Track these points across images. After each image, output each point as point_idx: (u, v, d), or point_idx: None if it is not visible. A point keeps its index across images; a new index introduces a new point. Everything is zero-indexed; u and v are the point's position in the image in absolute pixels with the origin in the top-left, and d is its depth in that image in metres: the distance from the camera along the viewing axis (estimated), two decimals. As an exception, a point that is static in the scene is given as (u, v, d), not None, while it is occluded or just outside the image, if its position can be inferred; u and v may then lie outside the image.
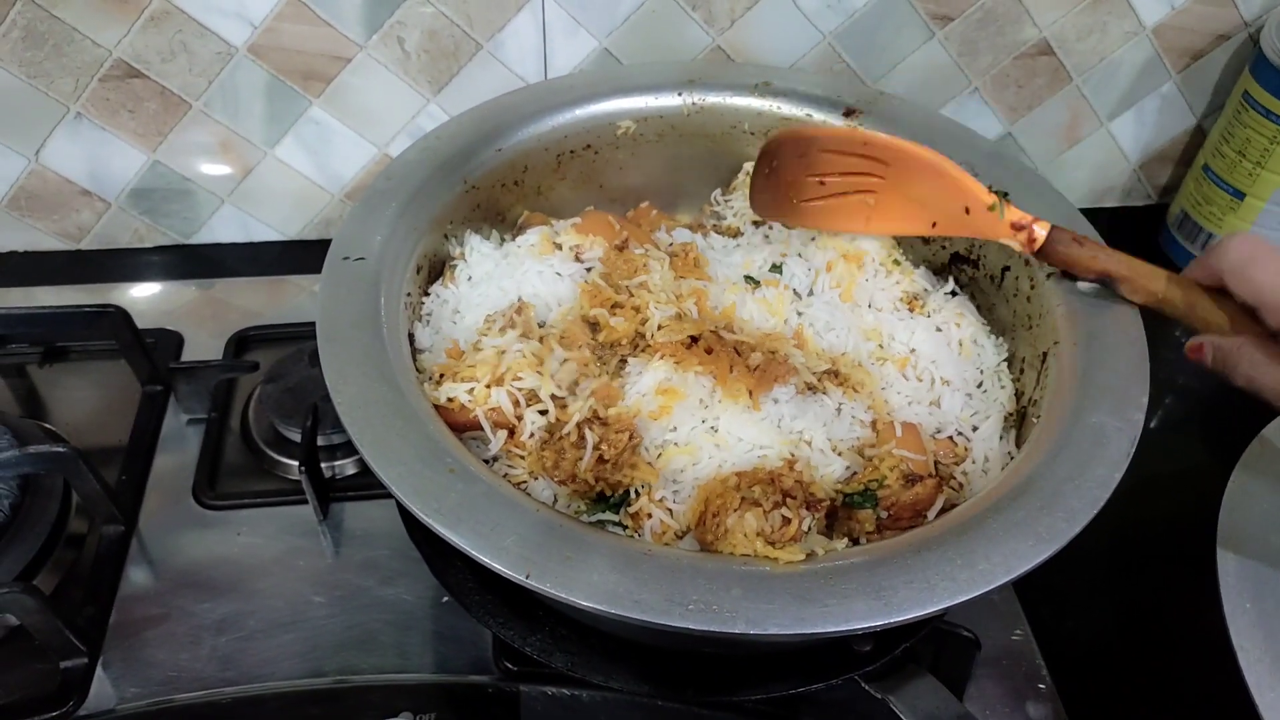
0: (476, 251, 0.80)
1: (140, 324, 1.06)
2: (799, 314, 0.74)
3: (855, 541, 0.63)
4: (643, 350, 0.68)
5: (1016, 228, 0.71)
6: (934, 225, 0.73)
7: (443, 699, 0.78)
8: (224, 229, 1.19)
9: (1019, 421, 0.75)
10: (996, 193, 0.71)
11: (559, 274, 0.74)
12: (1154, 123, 1.22)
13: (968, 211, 0.72)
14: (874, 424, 0.69)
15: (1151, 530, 0.90)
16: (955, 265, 0.86)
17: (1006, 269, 0.79)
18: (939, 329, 0.76)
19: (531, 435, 0.64)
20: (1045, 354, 0.72)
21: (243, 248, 1.20)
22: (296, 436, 0.93)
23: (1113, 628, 0.84)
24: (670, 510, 0.61)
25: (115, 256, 1.19)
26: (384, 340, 0.67)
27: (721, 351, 0.66)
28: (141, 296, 1.15)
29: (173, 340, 1.07)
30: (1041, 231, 0.70)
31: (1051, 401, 0.67)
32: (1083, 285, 0.72)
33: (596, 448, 0.60)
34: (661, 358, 0.66)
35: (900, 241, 0.86)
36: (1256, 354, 0.61)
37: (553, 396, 0.65)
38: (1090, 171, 1.27)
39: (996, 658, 0.81)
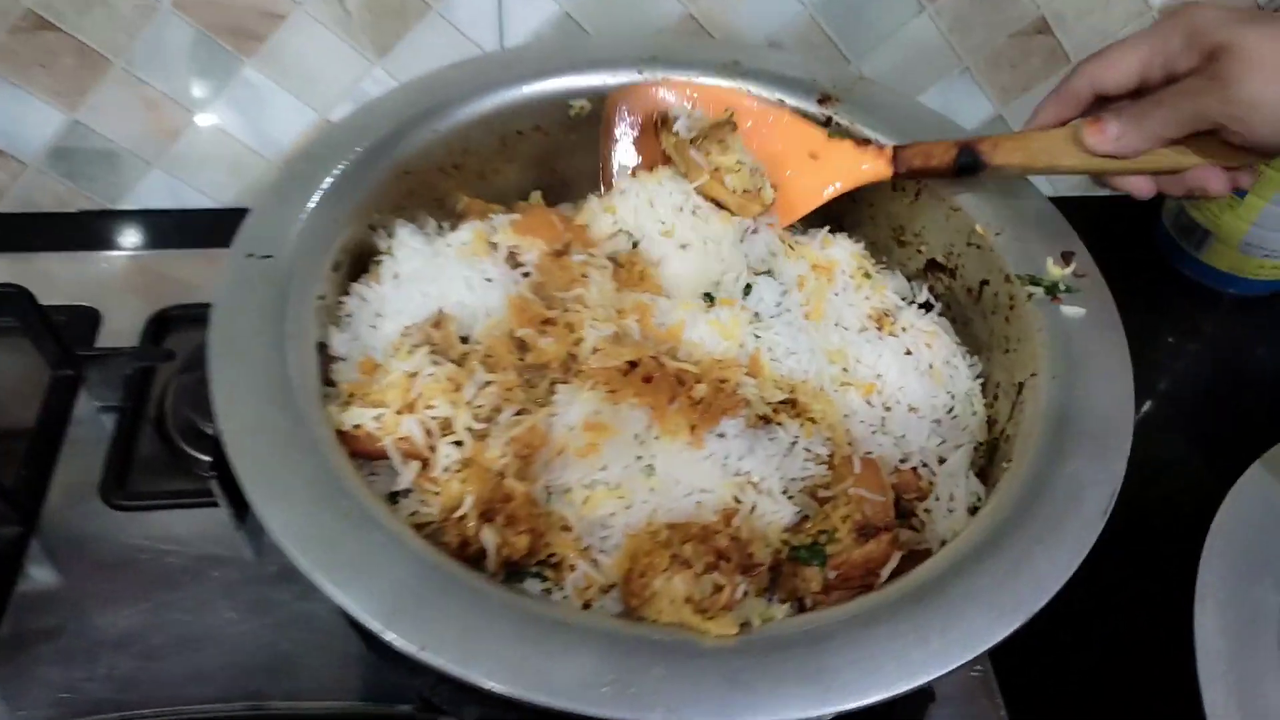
0: (405, 246, 0.72)
1: (59, 297, 0.98)
2: (756, 336, 0.66)
3: (800, 602, 0.57)
4: (575, 374, 0.61)
5: (861, 144, 0.76)
6: (788, 175, 0.77)
7: (355, 732, 0.72)
8: (152, 195, 1.10)
9: (989, 452, 0.69)
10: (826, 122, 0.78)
11: (489, 280, 0.67)
12: (1154, 111, 1.15)
13: (814, 157, 0.76)
14: (831, 458, 0.63)
15: (1128, 568, 0.85)
16: (931, 272, 0.79)
17: (985, 282, 0.73)
18: (909, 351, 0.70)
19: (445, 470, 0.57)
20: (1021, 385, 0.65)
21: (174, 215, 1.12)
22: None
23: (1080, 668, 0.79)
24: (596, 562, 0.55)
25: (37, 221, 1.10)
26: (285, 355, 0.59)
27: (662, 380, 0.59)
28: (64, 267, 1.06)
29: (88, 319, 0.98)
30: (887, 142, 0.76)
31: (1025, 442, 0.60)
32: (1068, 310, 0.65)
33: (499, 551, 0.54)
34: (593, 387, 0.59)
35: (874, 248, 0.79)
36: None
37: (469, 429, 0.57)
38: (1084, 160, 1.20)
39: (951, 695, 0.76)
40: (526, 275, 0.68)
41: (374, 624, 0.48)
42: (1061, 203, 0.76)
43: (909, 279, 0.80)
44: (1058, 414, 0.60)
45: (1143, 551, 0.80)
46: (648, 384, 0.59)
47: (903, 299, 0.77)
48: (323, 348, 0.65)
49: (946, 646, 0.49)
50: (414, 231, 0.74)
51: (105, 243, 1.08)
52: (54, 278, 1.02)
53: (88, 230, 1.09)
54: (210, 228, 1.09)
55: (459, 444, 0.58)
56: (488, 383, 0.59)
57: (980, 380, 0.72)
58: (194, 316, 0.99)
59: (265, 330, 0.60)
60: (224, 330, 0.59)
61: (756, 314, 0.68)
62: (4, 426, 0.89)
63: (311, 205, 0.69)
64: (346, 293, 0.70)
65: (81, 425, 0.90)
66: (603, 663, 0.47)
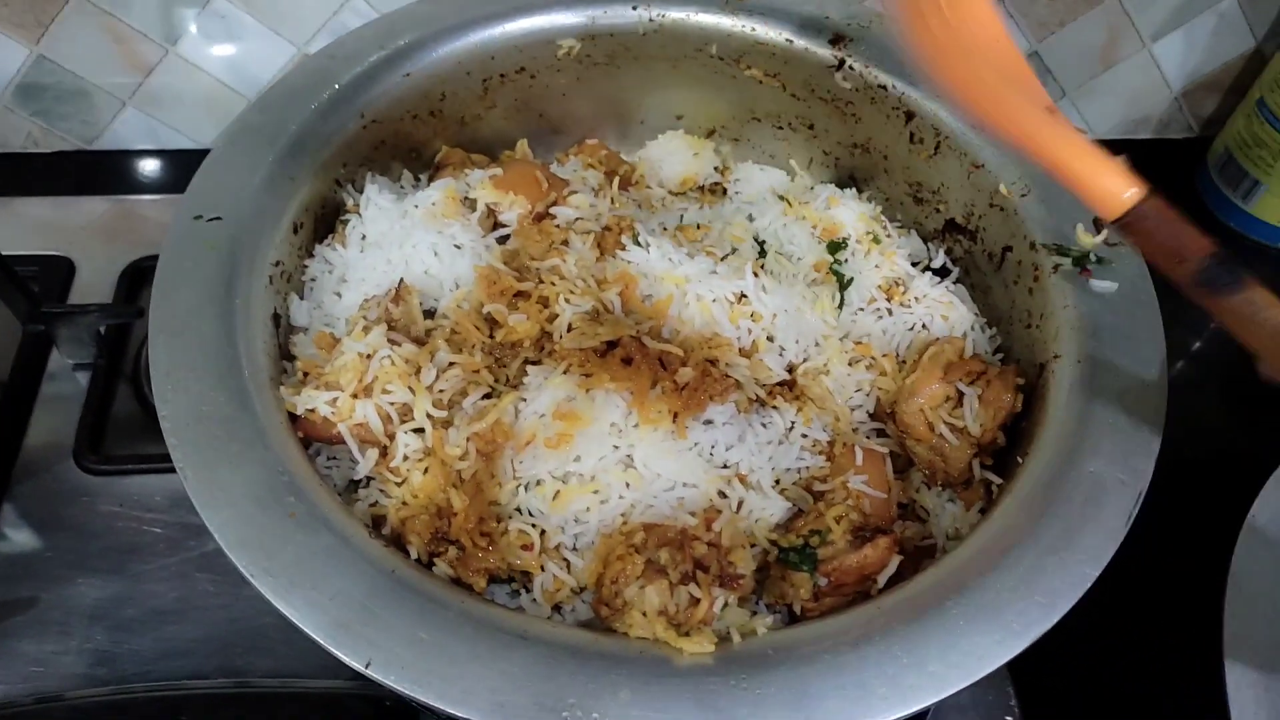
0: (374, 205, 0.66)
1: (33, 245, 0.94)
2: (751, 314, 0.60)
3: (789, 609, 0.52)
4: (549, 354, 0.56)
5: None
6: None
7: (336, 711, 0.70)
8: (129, 134, 1.05)
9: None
10: None
11: (458, 246, 0.61)
12: (1205, 45, 1.05)
13: None
14: (831, 446, 0.58)
15: (1156, 547, 0.79)
16: (950, 234, 0.72)
17: (1008, 249, 0.66)
18: (924, 326, 0.63)
19: (405, 459, 0.53)
20: (1043, 367, 0.59)
21: (153, 156, 1.06)
22: (190, 394, 0.82)
23: (1096, 656, 0.74)
24: (567, 562, 0.50)
25: (10, 162, 1.05)
26: (234, 330, 0.55)
27: (643, 363, 0.54)
28: (39, 211, 1.01)
29: (61, 269, 0.94)
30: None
31: (1044, 434, 0.55)
32: (1098, 284, 0.59)
33: (455, 580, 0.49)
34: (566, 370, 0.53)
35: (889, 205, 0.72)
36: None
37: (429, 415, 0.53)
38: (1125, 99, 1.11)
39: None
40: (503, 241, 0.62)
41: (316, 636, 0.44)
42: (1102, 145, 0.68)
43: (925, 240, 0.74)
44: (1081, 404, 0.54)
45: (1173, 528, 0.74)
46: (627, 366, 0.54)
47: (915, 264, 0.70)
48: (278, 319, 0.60)
49: (945, 670, 0.44)
50: (383, 188, 0.68)
51: (81, 187, 1.03)
52: (28, 223, 0.98)
53: (64, 173, 1.04)
54: (191, 169, 1.05)
55: (420, 431, 0.53)
56: (451, 364, 0.54)
57: (999, 355, 0.66)
58: (170, 268, 0.95)
59: (212, 303, 0.56)
60: (166, 304, 0.54)
61: (744, 294, 0.61)
62: (-25, 383, 0.85)
63: (268, 160, 0.63)
64: (310, 255, 0.65)
65: (54, 382, 0.87)
66: (565, 683, 0.43)
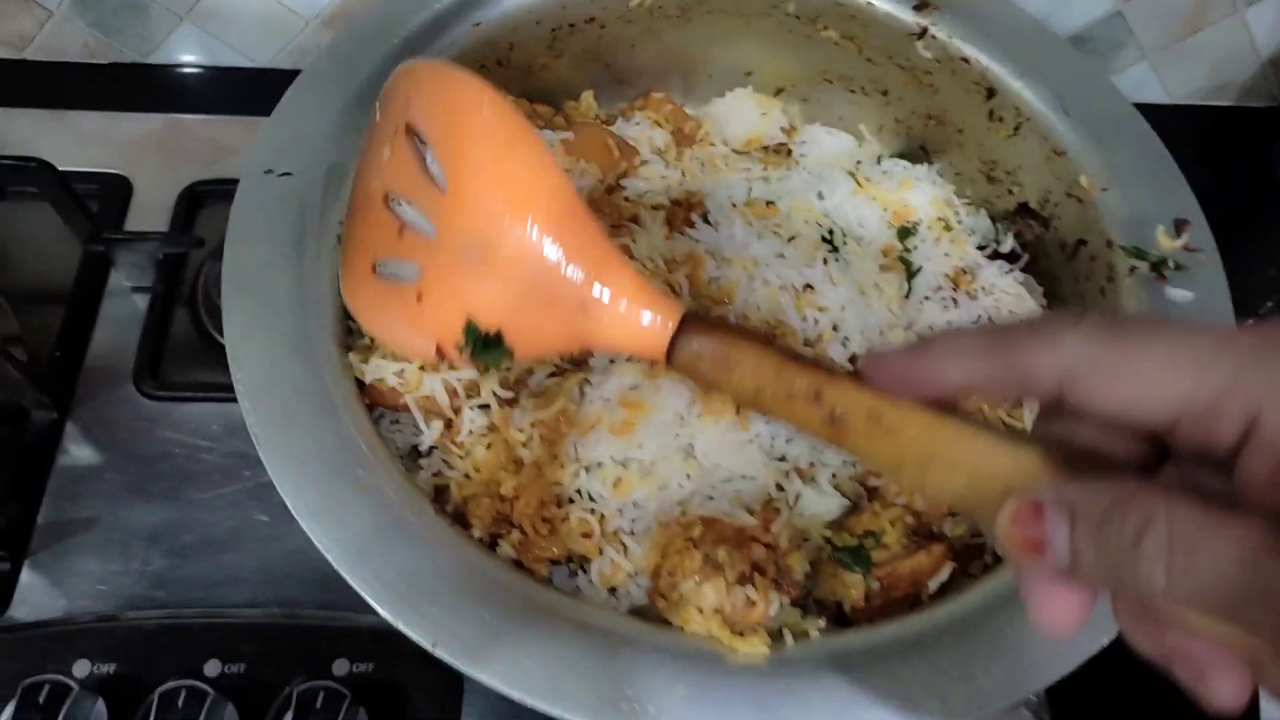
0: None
1: (91, 160, 0.95)
2: (818, 306, 0.59)
3: (839, 606, 0.53)
4: None
5: None
6: None
7: (383, 649, 0.72)
8: (184, 50, 1.04)
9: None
10: None
11: None
12: (1302, 11, 1.00)
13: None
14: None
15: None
16: (1022, 217, 0.71)
17: (1083, 242, 0.65)
18: (989, 318, 0.62)
19: (470, 433, 0.54)
20: (1110, 374, 0.58)
21: (209, 73, 1.05)
22: (247, 325, 0.83)
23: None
24: (625, 547, 0.51)
25: (66, 72, 1.04)
26: (304, 292, 0.55)
27: None
28: (95, 125, 1.01)
29: (120, 189, 0.94)
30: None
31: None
32: (1174, 293, 0.58)
33: (516, 562, 0.50)
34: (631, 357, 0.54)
35: (960, 180, 0.70)
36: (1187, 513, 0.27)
37: (495, 394, 0.53)
38: (1208, 65, 1.06)
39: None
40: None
41: (384, 613, 0.46)
42: (1177, 111, 0.65)
43: (995, 220, 0.72)
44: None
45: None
46: None
47: (981, 247, 0.69)
48: (347, 279, 0.60)
49: (992, 686, 0.45)
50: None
51: (137, 102, 1.02)
52: (85, 136, 0.98)
53: (120, 85, 1.03)
54: (247, 90, 1.04)
55: (485, 407, 0.54)
56: (519, 340, 0.54)
57: (1062, 348, 0.66)
58: (227, 193, 0.93)
59: (284, 262, 0.56)
60: (238, 264, 0.54)
61: (810, 284, 0.60)
62: (37, 301, 0.87)
63: (337, 110, 0.62)
64: (377, 210, 0.65)
65: (112, 300, 0.88)
66: (623, 676, 0.45)
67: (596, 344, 0.43)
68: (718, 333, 0.39)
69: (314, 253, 0.57)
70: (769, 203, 0.65)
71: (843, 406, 0.34)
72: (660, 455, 0.53)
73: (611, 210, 0.60)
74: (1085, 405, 0.30)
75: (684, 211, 0.61)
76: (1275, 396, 0.27)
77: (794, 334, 0.57)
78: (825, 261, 0.60)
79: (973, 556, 0.54)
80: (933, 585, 0.53)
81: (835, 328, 0.58)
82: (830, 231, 0.63)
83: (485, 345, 0.43)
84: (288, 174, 0.59)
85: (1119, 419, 0.30)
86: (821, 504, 0.54)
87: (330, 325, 0.56)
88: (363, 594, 0.46)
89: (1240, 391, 0.28)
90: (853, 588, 0.52)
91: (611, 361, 0.54)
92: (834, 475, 0.56)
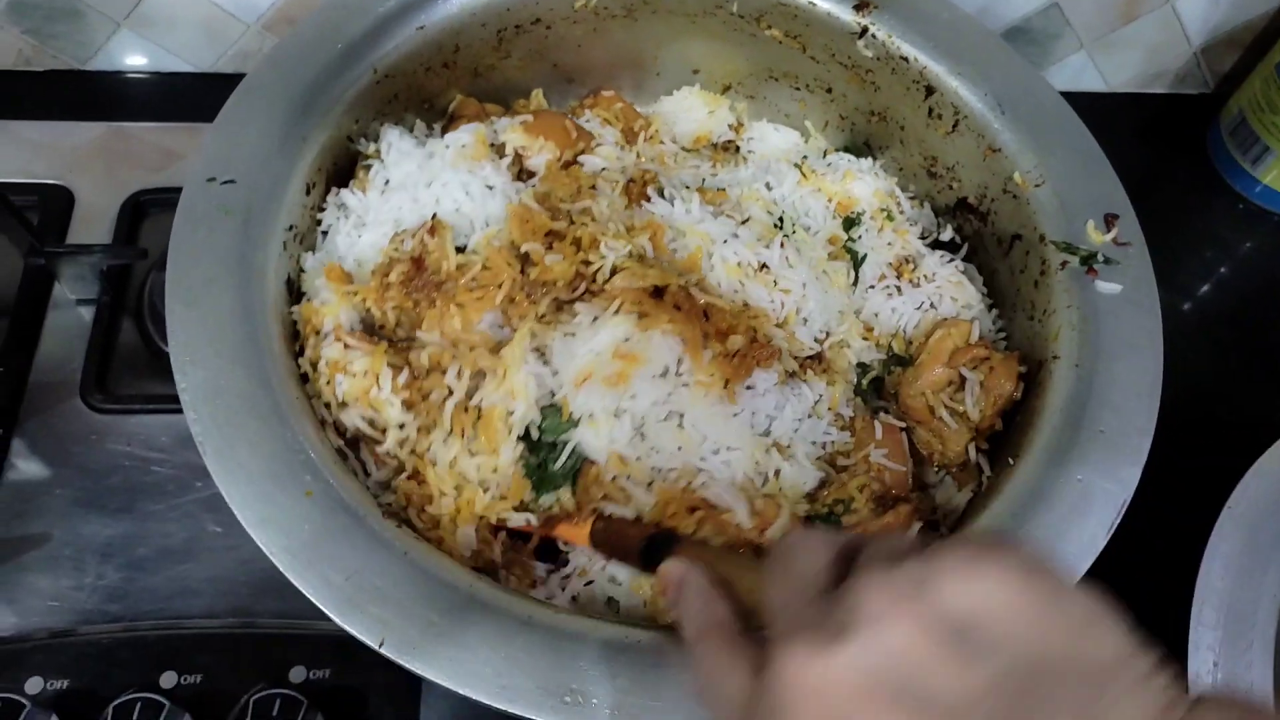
0: (395, 149, 0.65)
1: (31, 170, 0.93)
2: (785, 289, 0.60)
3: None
4: (590, 294, 0.56)
5: None
6: None
7: (340, 655, 0.72)
8: (124, 56, 1.02)
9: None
10: None
11: (490, 186, 0.61)
12: (1231, 0, 1.03)
13: None
14: (853, 421, 0.59)
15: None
16: (961, 212, 0.72)
17: (1018, 237, 0.66)
18: (932, 305, 0.64)
19: (401, 444, 0.54)
20: (1041, 364, 0.60)
21: (150, 80, 1.04)
22: (194, 335, 0.82)
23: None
24: (627, 493, 0.53)
25: (1, 80, 1.02)
26: (250, 299, 0.55)
27: (691, 311, 0.55)
28: (35, 134, 0.99)
29: (61, 199, 0.93)
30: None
31: (1034, 436, 0.56)
32: (1103, 285, 0.59)
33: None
34: (620, 310, 0.54)
35: (903, 175, 0.72)
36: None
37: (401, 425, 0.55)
38: (1143, 53, 1.09)
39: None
40: (530, 181, 0.62)
41: (332, 615, 0.46)
42: (1115, 99, 0.67)
43: (937, 214, 0.74)
44: (1074, 410, 0.55)
45: (1154, 502, 0.76)
46: (678, 313, 0.55)
47: (924, 238, 0.70)
48: (292, 284, 0.60)
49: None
50: (403, 134, 0.67)
51: (77, 110, 1.00)
52: (23, 146, 0.96)
53: (59, 95, 1.02)
54: (190, 95, 1.03)
55: (402, 426, 0.55)
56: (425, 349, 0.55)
57: (1003, 335, 0.67)
58: (171, 201, 0.92)
59: (227, 272, 0.56)
60: (182, 275, 0.54)
61: (765, 264, 0.61)
62: (-26, 318, 0.85)
63: (280, 119, 0.62)
64: (322, 208, 0.65)
65: (57, 312, 0.87)
66: (567, 669, 0.45)
67: None
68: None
69: (259, 259, 0.57)
70: (720, 189, 0.66)
71: None
72: (649, 414, 0.54)
73: (570, 180, 0.61)
74: None
75: (639, 188, 0.62)
76: None
77: (766, 315, 0.59)
78: (781, 244, 0.61)
79: (930, 530, 0.56)
80: (903, 545, 0.54)
81: (797, 311, 0.59)
82: (781, 218, 0.64)
83: None
84: (231, 181, 0.58)
85: None
86: (799, 476, 0.55)
87: (275, 330, 0.56)
88: (310, 597, 0.46)
89: None
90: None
91: (595, 319, 0.56)
92: (809, 453, 0.57)
